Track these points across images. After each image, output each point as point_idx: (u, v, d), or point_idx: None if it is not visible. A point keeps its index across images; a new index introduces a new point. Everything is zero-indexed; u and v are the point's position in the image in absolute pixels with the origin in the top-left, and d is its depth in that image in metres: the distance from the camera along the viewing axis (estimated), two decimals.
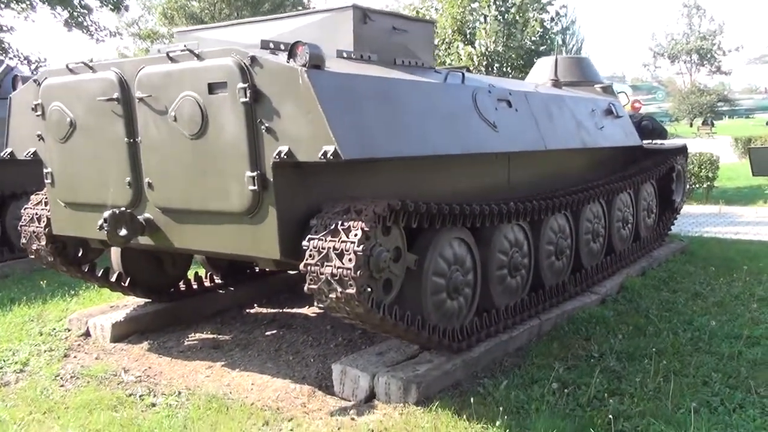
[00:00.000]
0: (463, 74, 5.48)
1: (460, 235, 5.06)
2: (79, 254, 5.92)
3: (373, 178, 4.66)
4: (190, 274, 6.77)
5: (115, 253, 6.08)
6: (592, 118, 7.18)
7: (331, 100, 3.92)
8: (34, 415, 4.47)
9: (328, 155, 3.85)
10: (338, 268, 3.97)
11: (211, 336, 5.97)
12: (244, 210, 4.25)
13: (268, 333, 6.00)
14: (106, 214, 4.64)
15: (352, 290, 3.95)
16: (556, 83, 7.87)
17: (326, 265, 4.02)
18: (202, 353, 5.58)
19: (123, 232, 4.69)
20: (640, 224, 8.29)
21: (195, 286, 6.70)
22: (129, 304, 6.43)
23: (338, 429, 4.19)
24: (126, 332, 6.04)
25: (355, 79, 4.26)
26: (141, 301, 6.41)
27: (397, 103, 4.47)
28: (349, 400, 4.62)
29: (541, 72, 8.54)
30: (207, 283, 6.83)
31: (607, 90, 8.35)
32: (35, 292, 7.42)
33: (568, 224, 6.59)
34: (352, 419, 4.31)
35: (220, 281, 6.93)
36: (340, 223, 4.05)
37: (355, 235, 3.97)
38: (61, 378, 5.13)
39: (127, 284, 6.08)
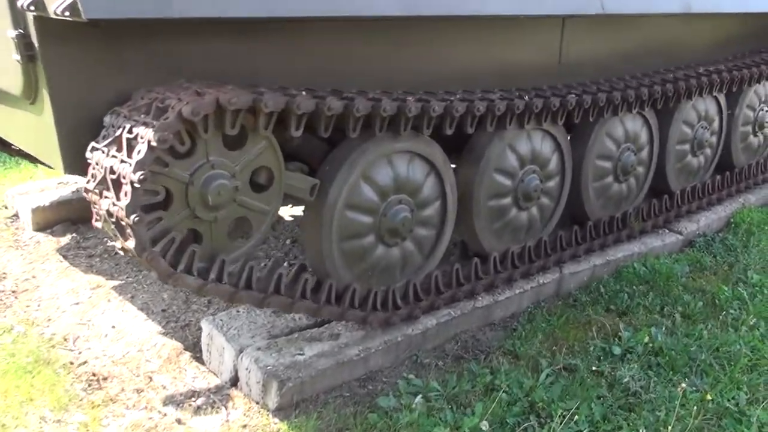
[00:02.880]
0: None
1: (418, 148, 3.20)
2: None
3: (264, 49, 2.88)
4: None
5: None
6: None
7: None
8: None
9: (62, 11, 2.15)
10: (114, 204, 2.38)
11: None
12: (20, 92, 2.69)
13: None
14: None
15: (130, 243, 2.37)
16: None
17: (104, 196, 2.44)
18: (105, 265, 4.29)
19: None
20: None
21: None
22: (69, 182, 5.24)
23: None
24: (50, 220, 4.88)
25: None
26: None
27: None
28: (216, 376, 3.17)
29: None
30: None
31: None
32: None
33: (647, 128, 4.40)
34: (179, 422, 2.87)
35: None
36: (127, 128, 2.40)
37: (138, 152, 2.32)
38: None
39: None
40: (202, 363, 3.27)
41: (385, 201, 3.13)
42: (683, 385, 2.88)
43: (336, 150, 3.03)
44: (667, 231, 4.58)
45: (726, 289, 3.87)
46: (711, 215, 4.86)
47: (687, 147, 4.77)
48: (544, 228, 3.97)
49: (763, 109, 5.35)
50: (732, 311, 3.66)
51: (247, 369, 2.96)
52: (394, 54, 3.27)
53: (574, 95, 3.72)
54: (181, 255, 2.51)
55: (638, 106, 4.16)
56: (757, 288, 3.91)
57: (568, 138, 3.96)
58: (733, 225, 4.86)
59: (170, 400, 3.00)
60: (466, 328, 3.49)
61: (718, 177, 5.09)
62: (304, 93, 2.75)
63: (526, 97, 3.50)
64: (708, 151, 4.96)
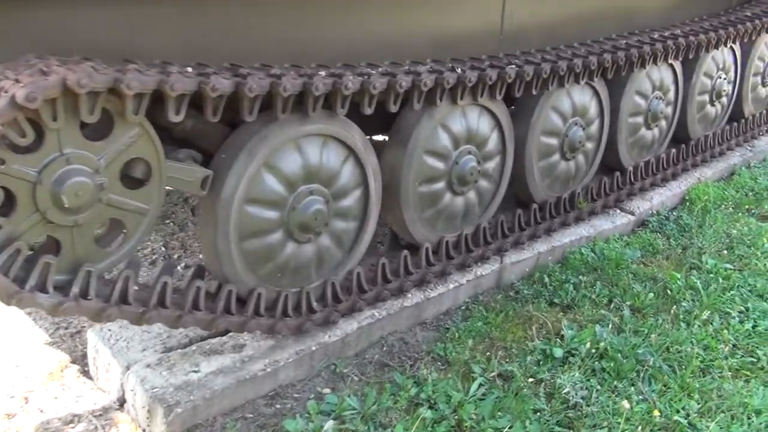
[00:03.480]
0: None
1: (333, 130, 2.79)
2: None
3: (146, 18, 2.41)
4: None
5: None
6: None
7: None
8: None
9: None
10: None
11: None
12: None
13: None
14: None
15: None
16: None
17: None
18: None
19: None
20: (744, 97, 5.44)
21: None
22: None
23: None
24: None
25: None
26: None
27: None
28: (105, 393, 2.77)
29: None
30: None
31: None
32: None
33: (596, 100, 4.04)
34: None
35: None
36: None
37: None
38: None
39: None
40: (91, 378, 2.86)
41: (294, 192, 2.72)
42: (627, 402, 2.56)
43: (233, 135, 2.60)
44: (618, 211, 4.26)
45: (679, 276, 3.57)
46: (665, 192, 4.55)
47: (640, 119, 4.42)
48: (483, 214, 3.60)
49: (721, 77, 5.03)
50: (684, 303, 3.36)
51: (132, 390, 2.56)
52: (307, 21, 2.83)
53: (514, 66, 3.32)
54: (32, 268, 2.08)
55: (587, 76, 3.79)
56: (711, 275, 3.61)
57: (510, 113, 3.57)
58: (688, 202, 4.56)
59: (45, 427, 2.59)
60: (394, 329, 3.13)
61: (673, 150, 4.77)
62: (188, 69, 2.32)
63: (459, 70, 3.09)
64: (663, 123, 4.63)
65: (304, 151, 2.72)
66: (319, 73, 2.62)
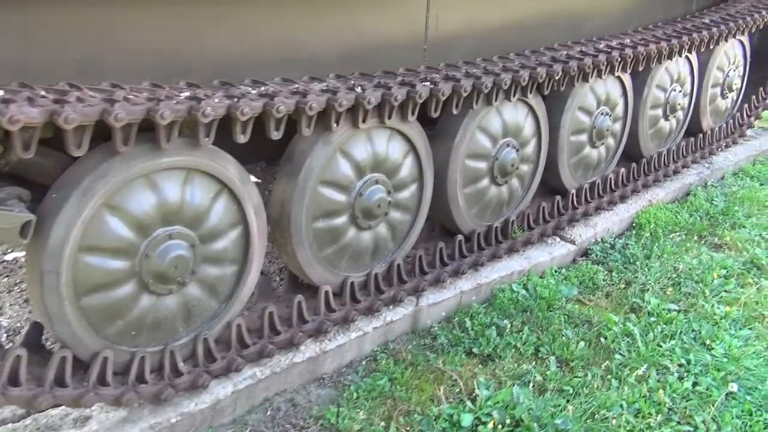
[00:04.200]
0: None
1: (199, 162, 2.35)
2: None
3: None
4: None
5: None
6: None
7: None
8: None
9: None
10: None
11: None
12: None
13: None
14: None
15: None
16: None
17: None
18: None
19: None
20: (702, 110, 5.08)
21: None
22: None
23: None
24: None
25: None
26: None
27: None
28: None
29: None
30: None
31: None
32: None
33: (533, 118, 3.64)
34: None
35: None
36: None
37: None
38: None
39: None
40: None
41: (148, 237, 2.28)
42: None
43: (65, 172, 2.15)
44: (557, 240, 3.87)
45: (616, 320, 3.17)
46: (611, 217, 4.16)
47: (584, 137, 4.03)
48: (397, 249, 3.19)
49: (675, 90, 4.65)
50: (618, 355, 2.96)
51: None
52: (179, 30, 2.39)
53: (428, 84, 2.90)
54: None
55: (519, 92, 3.39)
56: (652, 318, 3.22)
57: (428, 135, 3.16)
58: (636, 227, 4.18)
59: None
60: (282, 389, 2.70)
61: (623, 170, 4.39)
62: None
63: (358, 89, 2.67)
64: (610, 140, 4.24)
65: (160, 188, 2.28)
66: (167, 95, 2.18)
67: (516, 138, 3.54)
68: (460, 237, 3.41)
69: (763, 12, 5.04)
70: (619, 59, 3.84)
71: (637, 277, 3.61)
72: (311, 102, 2.45)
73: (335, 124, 2.66)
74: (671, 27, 4.53)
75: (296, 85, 2.59)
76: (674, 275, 3.62)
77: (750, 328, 3.18)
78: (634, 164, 4.50)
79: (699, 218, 4.35)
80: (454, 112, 3.09)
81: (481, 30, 3.56)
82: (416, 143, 3.05)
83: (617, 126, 4.26)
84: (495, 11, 3.59)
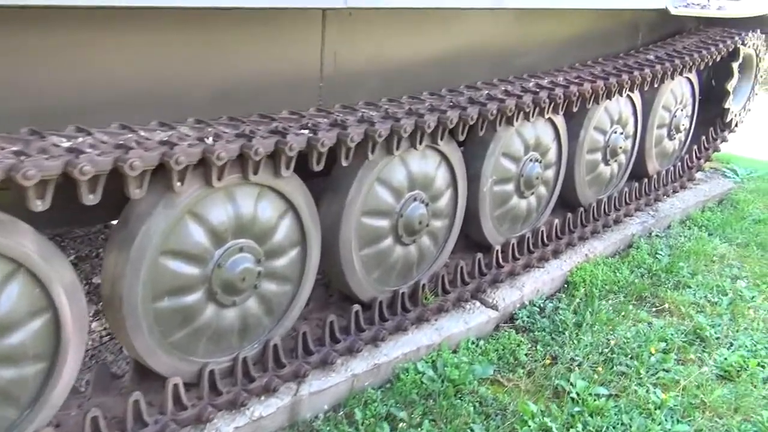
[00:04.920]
0: None
1: None
2: None
3: None
4: None
5: None
6: None
7: None
8: None
9: None
10: None
11: None
12: None
13: None
14: None
15: None
16: None
17: None
18: None
19: None
20: (647, 153, 4.68)
21: None
22: None
23: None
24: None
25: None
26: None
27: None
28: None
29: None
30: None
31: None
32: None
33: (446, 167, 3.17)
34: None
35: None
36: None
37: None
38: None
39: None
40: None
41: None
42: None
43: None
44: (477, 305, 3.38)
45: (534, 411, 2.69)
46: (542, 276, 3.70)
47: (511, 187, 3.57)
48: (275, 326, 2.67)
49: (616, 132, 4.23)
50: None
51: None
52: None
53: (304, 133, 2.41)
54: None
55: (427, 139, 2.92)
56: (576, 407, 2.74)
57: (314, 190, 2.66)
58: (570, 287, 3.72)
59: None
60: None
61: (556, 221, 3.94)
62: None
63: (210, 140, 2.17)
64: (542, 189, 3.80)
65: None
66: None
67: (426, 190, 3.06)
68: (356, 307, 2.91)
69: (712, 48, 4.67)
70: (548, 100, 3.40)
71: (564, 351, 3.14)
72: (132, 160, 1.94)
73: (179, 184, 2.15)
74: (612, 64, 4.13)
75: (128, 135, 2.08)
76: (607, 349, 3.15)
77: (689, 422, 2.71)
78: (569, 214, 4.05)
79: (640, 275, 3.91)
80: (344, 163, 2.60)
81: (391, 66, 3.11)
82: (295, 201, 2.55)
83: (549, 173, 3.82)
84: (407, 45, 3.14)
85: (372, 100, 2.96)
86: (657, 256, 4.14)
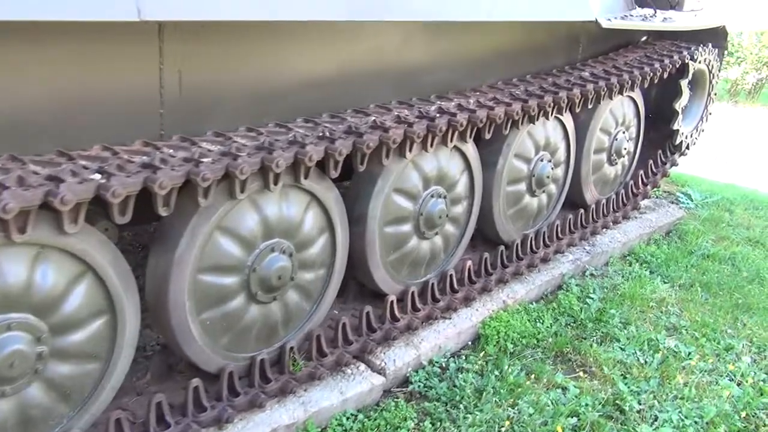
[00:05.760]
0: None
1: None
2: None
3: None
4: None
5: None
6: None
7: None
8: None
9: None
10: None
11: None
12: None
13: None
14: None
15: None
16: None
17: None
18: None
19: None
20: (583, 181, 4.20)
21: None
22: None
23: None
24: None
25: None
26: None
27: None
28: None
29: None
30: None
31: None
32: None
33: (317, 207, 2.66)
34: None
35: None
36: None
37: None
38: None
39: None
40: None
41: None
42: None
43: None
44: (362, 368, 2.87)
45: None
46: (446, 329, 3.19)
47: (408, 227, 3.07)
48: (74, 416, 2.14)
49: (543, 160, 3.75)
50: None
51: None
52: None
53: (94, 179, 1.90)
54: None
55: (285, 178, 2.41)
56: None
57: (117, 246, 2.15)
58: (481, 341, 3.22)
59: None
60: None
61: (470, 262, 3.44)
62: None
63: None
64: (449, 228, 3.30)
65: None
66: None
67: (290, 238, 2.55)
68: (195, 382, 2.38)
69: (656, 64, 4.20)
70: (446, 127, 2.91)
71: (459, 427, 2.63)
72: None
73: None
74: (539, 82, 3.65)
75: None
76: (507, 423, 2.64)
77: None
78: (487, 254, 3.55)
79: (564, 325, 3.42)
80: (161, 213, 2.08)
81: (257, 89, 2.60)
82: (94, 262, 2.02)
83: (459, 209, 3.32)
84: (281, 61, 2.64)
85: (226, 129, 2.47)
86: (587, 300, 3.65)
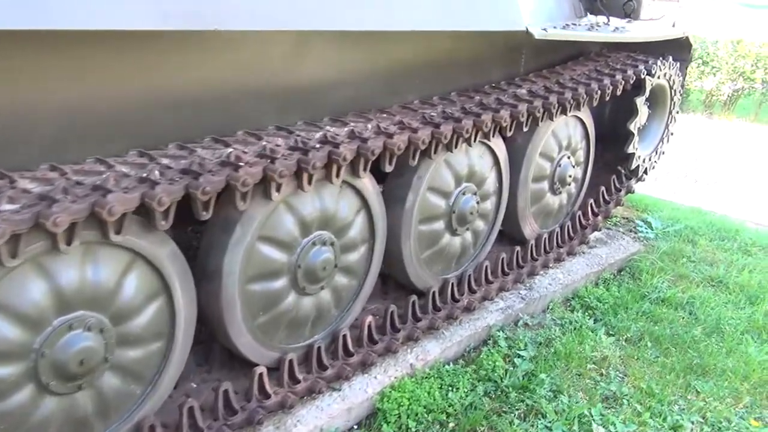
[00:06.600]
0: None
1: None
2: None
3: None
4: None
5: None
6: None
7: None
8: None
9: None
10: None
11: None
12: None
13: None
14: None
15: None
16: None
17: None
18: None
19: None
20: (520, 213, 3.64)
21: None
22: None
23: None
24: None
25: None
26: None
27: None
28: None
29: None
30: None
31: None
32: None
33: (146, 267, 2.07)
34: None
35: None
36: None
37: None
38: None
39: None
40: None
41: None
42: None
43: None
44: None
45: None
46: (331, 404, 2.61)
47: (282, 282, 2.50)
48: None
49: (465, 193, 3.18)
50: None
51: None
52: None
53: None
54: None
55: (82, 236, 1.82)
56: None
57: None
58: (378, 416, 2.65)
59: None
60: None
61: (370, 319, 2.87)
62: None
63: None
64: (339, 279, 2.72)
65: None
66: None
67: (94, 308, 1.96)
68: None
69: (606, 80, 3.65)
70: (326, 162, 2.34)
71: None
72: None
73: None
74: (462, 102, 3.09)
75: None
76: None
77: None
78: (393, 306, 2.98)
79: (482, 395, 2.86)
80: None
81: (81, 114, 2.01)
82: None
83: (354, 255, 2.75)
84: (128, 73, 2.06)
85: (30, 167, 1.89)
86: (515, 361, 3.09)
